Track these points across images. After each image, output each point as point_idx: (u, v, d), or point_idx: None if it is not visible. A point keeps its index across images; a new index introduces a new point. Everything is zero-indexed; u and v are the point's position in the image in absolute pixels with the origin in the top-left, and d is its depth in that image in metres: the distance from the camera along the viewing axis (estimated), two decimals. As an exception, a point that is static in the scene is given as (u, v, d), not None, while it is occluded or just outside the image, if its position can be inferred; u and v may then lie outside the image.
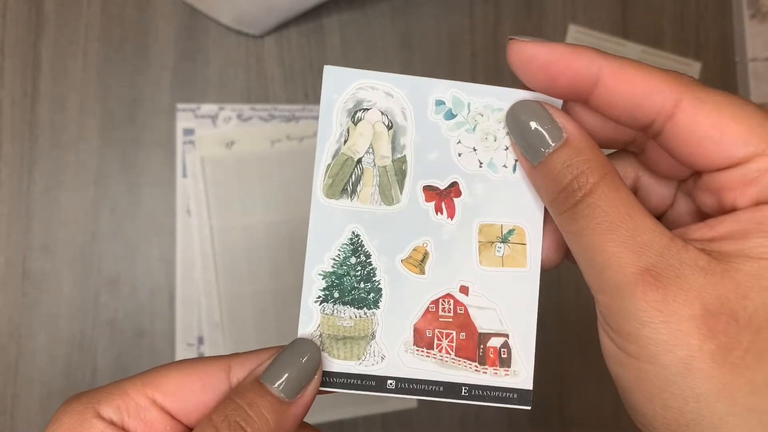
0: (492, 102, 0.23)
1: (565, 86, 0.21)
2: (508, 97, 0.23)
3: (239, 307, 0.48)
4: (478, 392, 0.23)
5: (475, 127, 0.23)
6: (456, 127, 0.23)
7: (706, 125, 0.19)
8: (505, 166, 0.23)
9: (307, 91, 0.51)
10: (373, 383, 0.23)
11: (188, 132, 0.49)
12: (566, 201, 0.20)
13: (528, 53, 0.21)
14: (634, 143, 0.23)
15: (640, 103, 0.20)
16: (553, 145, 0.20)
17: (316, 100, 0.51)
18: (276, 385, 0.21)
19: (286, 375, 0.21)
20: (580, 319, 0.51)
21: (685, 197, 0.23)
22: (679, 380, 0.18)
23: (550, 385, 0.50)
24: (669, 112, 0.19)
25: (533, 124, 0.21)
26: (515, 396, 0.23)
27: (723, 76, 0.53)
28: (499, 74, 0.52)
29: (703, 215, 0.21)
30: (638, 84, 0.20)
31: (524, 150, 0.22)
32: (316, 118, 0.49)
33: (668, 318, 0.18)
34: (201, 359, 0.23)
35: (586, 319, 0.51)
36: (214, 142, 0.49)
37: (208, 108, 0.50)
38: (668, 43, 0.53)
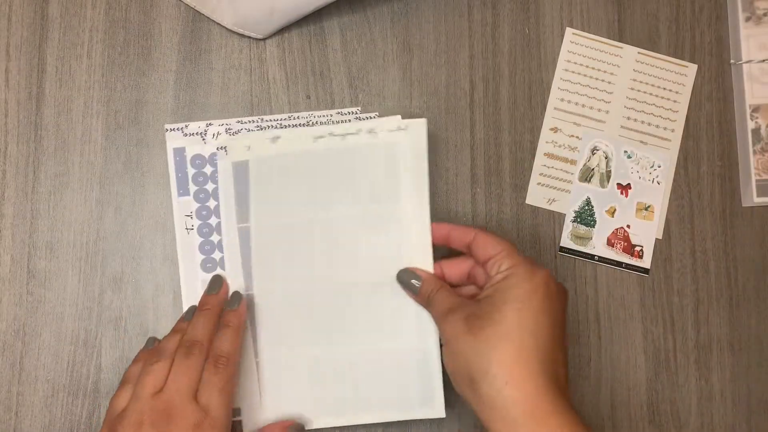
0: (648, 156, 0.53)
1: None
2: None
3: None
4: (630, 265, 0.52)
5: (638, 161, 0.52)
6: (631, 161, 0.52)
7: (481, 243, 0.45)
8: (649, 180, 0.52)
9: (308, 93, 0.51)
10: (586, 257, 0.51)
11: (179, 151, 0.49)
12: (426, 301, 0.46)
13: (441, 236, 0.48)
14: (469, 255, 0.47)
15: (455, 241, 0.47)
16: (417, 284, 0.47)
17: (318, 102, 0.51)
18: None
19: None
20: (576, 319, 0.52)
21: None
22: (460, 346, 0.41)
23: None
24: (470, 241, 0.46)
25: (407, 277, 0.47)
26: (643, 269, 0.52)
27: (718, 78, 0.54)
28: (497, 76, 0.53)
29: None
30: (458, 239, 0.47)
31: (409, 289, 0.47)
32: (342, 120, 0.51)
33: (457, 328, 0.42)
34: None
35: (582, 319, 0.51)
36: (258, 140, 0.49)
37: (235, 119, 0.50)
38: (664, 46, 0.54)
